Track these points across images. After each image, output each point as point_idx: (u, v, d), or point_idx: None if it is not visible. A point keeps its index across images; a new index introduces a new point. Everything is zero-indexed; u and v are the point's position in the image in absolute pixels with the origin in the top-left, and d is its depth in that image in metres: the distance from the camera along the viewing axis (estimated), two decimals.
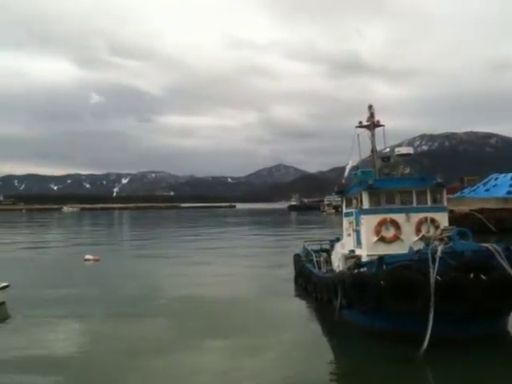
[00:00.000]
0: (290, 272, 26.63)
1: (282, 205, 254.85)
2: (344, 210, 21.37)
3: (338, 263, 20.04)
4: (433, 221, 17.56)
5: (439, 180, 18.21)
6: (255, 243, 51.00)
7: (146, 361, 13.29)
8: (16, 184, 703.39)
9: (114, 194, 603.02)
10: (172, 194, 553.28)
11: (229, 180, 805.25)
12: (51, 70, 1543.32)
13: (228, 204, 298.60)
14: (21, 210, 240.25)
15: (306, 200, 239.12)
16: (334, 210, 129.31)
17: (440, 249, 13.96)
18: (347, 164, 24.13)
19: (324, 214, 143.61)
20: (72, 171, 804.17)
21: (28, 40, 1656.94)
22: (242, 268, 32.07)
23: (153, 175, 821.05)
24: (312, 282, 20.71)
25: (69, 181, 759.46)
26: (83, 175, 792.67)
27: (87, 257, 35.88)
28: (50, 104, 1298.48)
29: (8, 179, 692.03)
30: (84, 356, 14.09)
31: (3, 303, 20.68)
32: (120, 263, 35.37)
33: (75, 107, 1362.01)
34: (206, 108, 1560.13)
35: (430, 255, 13.69)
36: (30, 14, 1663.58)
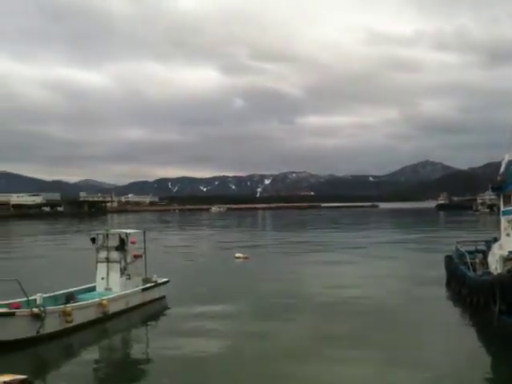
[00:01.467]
0: (440, 275, 25.19)
1: (429, 204, 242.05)
2: (502, 208, 19.73)
3: (495, 265, 18.58)
4: None
5: None
6: (400, 244, 49.11)
7: (287, 367, 12.94)
8: (169, 186, 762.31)
9: (258, 195, 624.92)
10: (312, 193, 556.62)
11: (370, 178, 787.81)
12: (197, 79, 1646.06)
13: (370, 203, 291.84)
14: (174, 210, 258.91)
15: (455, 198, 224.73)
16: (488, 210, 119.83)
17: None
18: (503, 159, 22.18)
19: (477, 213, 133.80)
20: (219, 173, 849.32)
21: (174, 52, 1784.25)
22: (387, 270, 30.92)
23: (294, 175, 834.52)
24: (466, 286, 19.40)
25: (216, 182, 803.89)
26: (229, 177, 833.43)
27: (237, 255, 37.56)
28: (198, 110, 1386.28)
29: (162, 182, 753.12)
30: (222, 356, 14.03)
31: (164, 297, 22.58)
32: (267, 262, 36.37)
33: (220, 112, 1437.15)
34: (345, 106, 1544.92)
35: None
36: (175, 28, 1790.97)
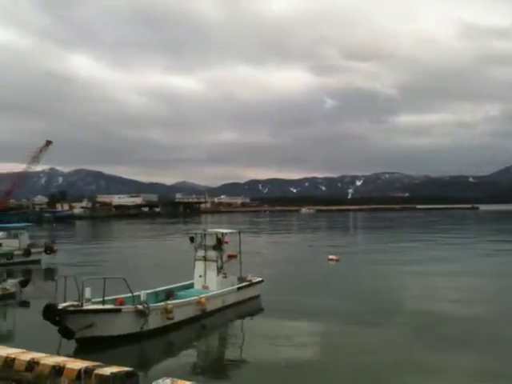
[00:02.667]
0: None
1: None
2: None
3: None
4: None
5: None
6: (505, 254, 45.72)
7: (382, 379, 12.59)
8: (260, 188, 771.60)
9: (349, 196, 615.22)
10: (407, 194, 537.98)
11: (470, 179, 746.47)
12: (289, 80, 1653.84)
13: (470, 205, 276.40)
14: (264, 211, 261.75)
15: None
16: None
17: None
18: None
19: None
20: (309, 175, 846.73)
21: (266, 54, 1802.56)
22: (492, 281, 28.35)
23: (386, 176, 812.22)
24: None
25: (306, 184, 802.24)
26: (319, 178, 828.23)
27: (330, 257, 37.18)
28: (290, 112, 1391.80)
29: (253, 183, 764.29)
30: (316, 361, 13.84)
31: (258, 296, 22.83)
32: (358, 265, 35.56)
33: (311, 113, 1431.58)
34: (440, 104, 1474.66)
35: None
36: (267, 31, 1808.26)
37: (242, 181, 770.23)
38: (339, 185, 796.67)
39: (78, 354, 12.66)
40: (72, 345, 14.98)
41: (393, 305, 21.17)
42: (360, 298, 22.39)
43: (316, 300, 22.10)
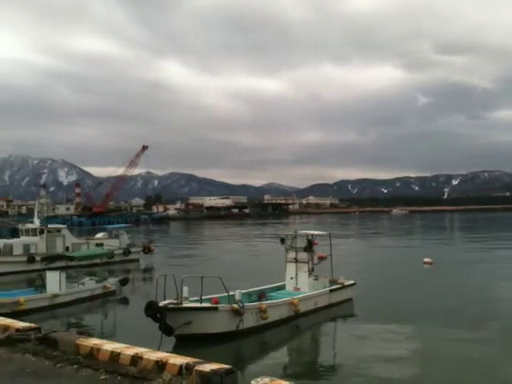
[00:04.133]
0: None
1: None
2: None
3: None
4: None
5: None
6: None
7: None
8: (349, 188, 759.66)
9: (445, 196, 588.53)
10: (508, 194, 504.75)
11: None
12: (377, 78, 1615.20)
13: None
14: (354, 212, 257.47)
15: None
16: None
17: None
18: None
19: None
20: (400, 174, 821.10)
21: (352, 52, 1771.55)
22: None
23: (486, 175, 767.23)
24: None
25: (398, 184, 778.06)
26: (412, 178, 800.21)
27: (426, 260, 35.79)
28: (379, 110, 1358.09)
29: (342, 184, 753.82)
30: (410, 371, 13.23)
31: (350, 299, 22.47)
32: (456, 268, 33.85)
33: (402, 111, 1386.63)
34: None
35: None
36: (352, 28, 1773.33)
37: (330, 181, 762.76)
38: (433, 184, 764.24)
39: (176, 351, 13.14)
40: (171, 341, 15.59)
41: (495, 312, 19.94)
42: (458, 304, 21.34)
43: (411, 305, 21.33)
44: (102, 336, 11.45)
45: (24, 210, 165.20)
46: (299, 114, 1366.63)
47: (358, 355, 14.42)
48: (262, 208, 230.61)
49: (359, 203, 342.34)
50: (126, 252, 42.21)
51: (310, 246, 22.04)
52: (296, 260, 21.70)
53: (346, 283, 22.75)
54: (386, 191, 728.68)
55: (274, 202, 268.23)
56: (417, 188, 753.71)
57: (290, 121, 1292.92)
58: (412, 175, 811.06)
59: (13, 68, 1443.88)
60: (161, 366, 7.32)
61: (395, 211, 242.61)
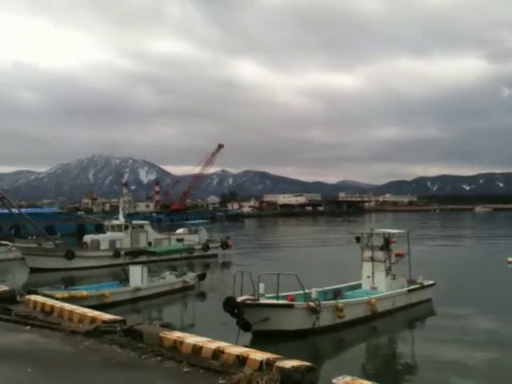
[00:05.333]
0: None
1: None
2: None
3: None
4: None
5: None
6: None
7: None
8: (429, 185, 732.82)
9: None
10: None
11: None
12: (457, 70, 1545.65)
13: None
14: (434, 210, 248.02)
15: None
16: None
17: None
18: None
19: None
20: (485, 170, 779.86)
21: (430, 45, 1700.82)
22: None
23: None
24: None
25: (481, 180, 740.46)
26: (497, 174, 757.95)
27: (510, 259, 33.99)
28: (460, 103, 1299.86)
29: (421, 181, 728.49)
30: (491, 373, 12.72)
31: (429, 300, 21.81)
32: None
33: (484, 103, 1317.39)
34: None
35: None
36: (430, 20, 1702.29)
37: (408, 178, 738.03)
38: None
39: (253, 346, 13.38)
40: (247, 336, 15.88)
41: None
42: None
43: (494, 308, 20.24)
44: (181, 329, 11.86)
45: (107, 207, 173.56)
46: (374, 109, 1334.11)
47: (437, 359, 14.00)
48: (336, 206, 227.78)
49: (439, 201, 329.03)
50: (205, 247, 43.40)
51: (386, 245, 21.60)
52: (372, 259, 21.35)
53: (426, 283, 22.12)
54: (468, 188, 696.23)
55: (348, 199, 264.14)
56: (502, 185, 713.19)
57: (365, 116, 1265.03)
58: (497, 171, 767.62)
59: (95, 72, 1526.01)
60: (242, 360, 7.52)
61: (478, 209, 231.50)
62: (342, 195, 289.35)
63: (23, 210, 50.11)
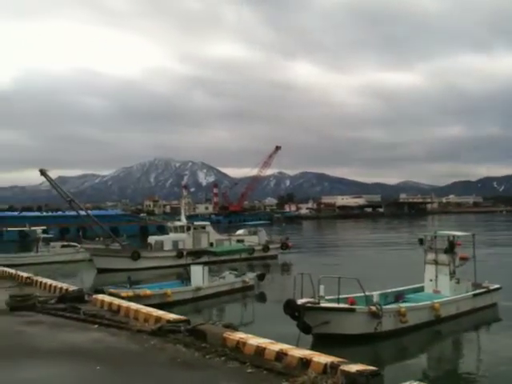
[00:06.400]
0: None
1: None
2: None
3: None
4: None
5: None
6: None
7: None
8: (495, 186, 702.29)
9: None
10: None
11: None
12: None
13: None
14: (501, 211, 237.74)
15: None
16: None
17: None
18: None
19: None
20: None
21: (494, 40, 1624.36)
22: None
23: None
24: None
25: None
26: None
27: None
28: None
29: (487, 181, 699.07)
30: None
31: (495, 304, 20.98)
32: None
33: None
34: None
35: None
36: (495, 14, 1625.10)
37: (473, 179, 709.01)
38: None
39: (315, 349, 13.37)
40: (308, 339, 15.86)
41: None
42: None
43: None
44: (240, 329, 12.05)
45: (168, 209, 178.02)
46: (434, 106, 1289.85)
47: (504, 366, 13.56)
48: (397, 207, 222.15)
49: (507, 202, 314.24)
50: (265, 248, 43.67)
51: (451, 248, 20.96)
52: (436, 262, 20.79)
53: (491, 287, 21.30)
54: None
55: (410, 200, 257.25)
56: None
57: (425, 114, 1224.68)
58: None
59: (155, 76, 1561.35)
60: (305, 363, 7.57)
61: None
62: (403, 196, 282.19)
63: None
